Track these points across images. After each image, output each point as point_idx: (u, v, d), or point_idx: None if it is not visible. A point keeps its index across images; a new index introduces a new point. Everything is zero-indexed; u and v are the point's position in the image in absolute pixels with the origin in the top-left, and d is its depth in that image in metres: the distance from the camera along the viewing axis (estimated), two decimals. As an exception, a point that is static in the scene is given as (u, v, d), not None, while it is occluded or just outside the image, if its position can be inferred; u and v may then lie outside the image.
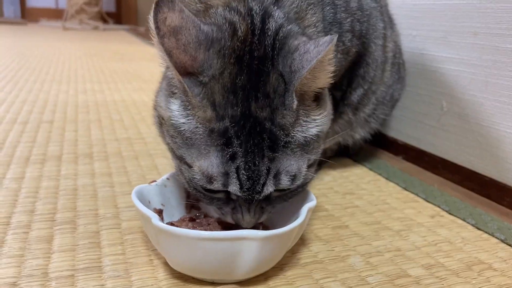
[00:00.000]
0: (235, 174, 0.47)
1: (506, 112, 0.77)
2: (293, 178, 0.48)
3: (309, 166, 0.50)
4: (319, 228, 0.67)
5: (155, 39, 0.46)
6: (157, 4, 0.45)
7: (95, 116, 1.24)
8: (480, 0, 0.81)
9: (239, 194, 0.48)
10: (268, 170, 0.47)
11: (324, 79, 0.47)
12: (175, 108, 0.49)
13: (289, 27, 0.50)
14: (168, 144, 0.53)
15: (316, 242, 0.63)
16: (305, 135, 0.48)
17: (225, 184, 0.47)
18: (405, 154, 1.00)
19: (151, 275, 0.53)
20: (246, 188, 0.47)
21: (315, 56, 0.44)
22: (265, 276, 0.54)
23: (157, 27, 0.45)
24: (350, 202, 0.78)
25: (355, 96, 0.77)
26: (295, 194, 0.53)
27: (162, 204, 0.60)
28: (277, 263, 0.54)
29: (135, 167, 0.88)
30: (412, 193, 0.83)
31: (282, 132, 0.47)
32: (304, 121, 0.48)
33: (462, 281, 0.56)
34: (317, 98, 0.49)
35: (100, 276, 0.53)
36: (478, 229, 0.70)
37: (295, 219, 0.51)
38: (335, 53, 0.63)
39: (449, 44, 0.88)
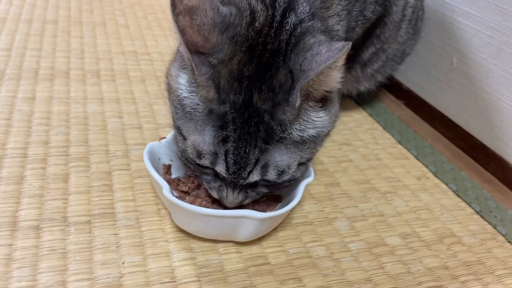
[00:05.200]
0: (223, 156, 0.49)
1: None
2: (281, 173, 0.50)
3: (300, 164, 0.51)
4: (313, 185, 0.73)
5: (170, 15, 0.46)
6: None
7: (100, 18, 1.20)
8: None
9: (224, 175, 0.51)
10: (257, 160, 0.49)
11: (331, 84, 0.47)
12: (182, 82, 0.50)
13: (309, 23, 0.49)
14: (171, 112, 0.55)
15: (309, 200, 0.69)
16: (302, 134, 0.49)
17: (213, 163, 0.50)
18: (407, 100, 1.02)
19: (159, 227, 0.60)
20: (231, 172, 0.50)
21: (324, 61, 0.43)
22: (259, 237, 0.61)
23: (173, 4, 0.44)
24: (345, 155, 0.82)
25: (366, 54, 0.77)
26: (283, 187, 0.55)
27: (170, 160, 0.64)
28: (271, 225, 0.61)
29: (142, 93, 0.90)
30: (405, 148, 0.87)
31: (279, 128, 0.48)
32: (304, 120, 0.49)
33: (431, 255, 0.63)
34: (324, 99, 0.50)
35: (114, 224, 0.59)
36: (458, 196, 0.76)
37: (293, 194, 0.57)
38: (354, 25, 0.62)
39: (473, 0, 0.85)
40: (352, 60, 0.77)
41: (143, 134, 0.78)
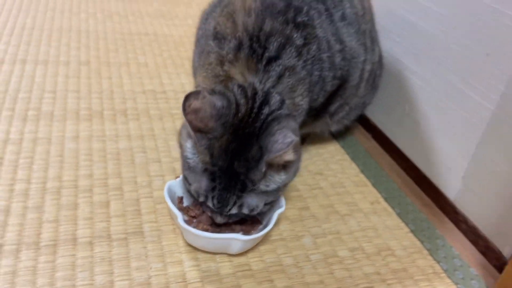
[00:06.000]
0: (211, 198, 0.74)
1: (445, 134, 1.01)
2: (252, 210, 0.75)
3: (266, 204, 0.76)
4: (289, 209, 0.97)
5: (182, 113, 0.70)
6: (187, 96, 0.69)
7: (124, 57, 1.45)
8: (453, 41, 0.98)
9: (213, 209, 0.76)
10: (235, 202, 0.73)
11: (286, 159, 0.70)
12: (188, 146, 0.75)
13: (278, 112, 0.73)
14: (181, 162, 0.80)
15: (284, 221, 0.94)
16: (267, 188, 0.73)
17: (205, 201, 0.75)
18: (374, 134, 1.26)
19: (174, 242, 0.84)
20: (217, 207, 0.74)
21: (278, 150, 0.67)
22: (245, 251, 0.85)
23: (184, 109, 0.69)
24: (317, 183, 1.06)
25: (333, 107, 1.00)
26: (253, 216, 0.80)
27: (183, 193, 0.88)
28: (254, 242, 0.85)
29: (160, 130, 1.14)
30: (366, 177, 1.11)
31: (251, 183, 0.72)
32: (268, 179, 0.72)
33: (369, 264, 0.87)
34: (284, 166, 0.73)
35: (143, 240, 0.84)
36: (400, 217, 1.00)
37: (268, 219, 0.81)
38: (316, 97, 0.85)
39: (419, 62, 1.08)
40: (322, 111, 1.00)
41: (162, 167, 1.02)
